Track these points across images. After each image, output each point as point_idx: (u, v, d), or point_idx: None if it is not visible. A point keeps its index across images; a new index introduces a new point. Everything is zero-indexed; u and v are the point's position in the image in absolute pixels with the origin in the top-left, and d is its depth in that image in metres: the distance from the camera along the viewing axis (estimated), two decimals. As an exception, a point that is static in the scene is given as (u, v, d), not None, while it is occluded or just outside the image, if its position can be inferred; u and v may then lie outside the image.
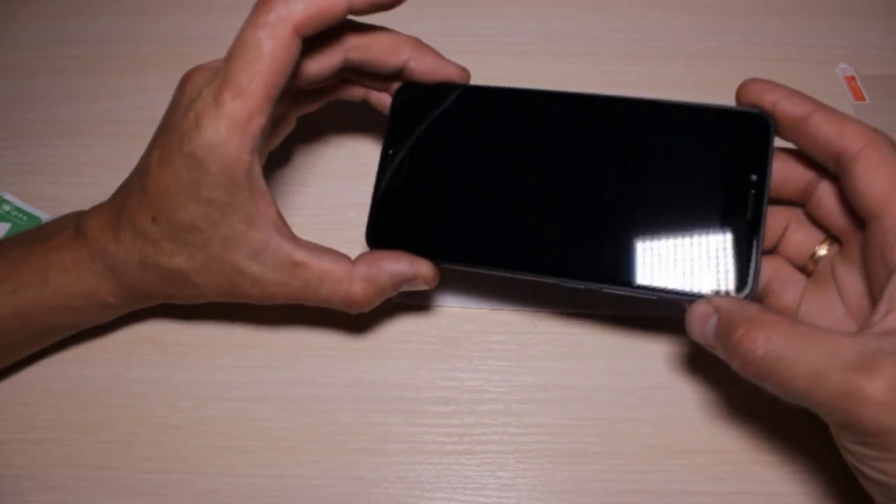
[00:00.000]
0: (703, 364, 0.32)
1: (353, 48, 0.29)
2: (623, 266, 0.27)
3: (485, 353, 0.33)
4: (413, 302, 0.34)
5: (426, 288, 0.30)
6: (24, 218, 0.36)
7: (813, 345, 0.22)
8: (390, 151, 0.30)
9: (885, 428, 0.21)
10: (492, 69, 0.42)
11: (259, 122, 0.26)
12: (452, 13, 0.44)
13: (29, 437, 0.31)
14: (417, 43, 0.30)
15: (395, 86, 0.31)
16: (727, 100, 0.40)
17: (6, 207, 0.37)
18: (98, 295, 0.29)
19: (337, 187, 0.37)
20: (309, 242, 0.29)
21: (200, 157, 0.26)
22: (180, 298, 0.30)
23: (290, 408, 0.32)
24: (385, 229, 0.29)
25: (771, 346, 0.22)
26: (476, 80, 0.41)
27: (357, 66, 0.30)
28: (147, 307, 0.32)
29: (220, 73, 0.26)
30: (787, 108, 0.26)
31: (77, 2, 0.46)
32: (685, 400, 0.31)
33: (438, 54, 0.30)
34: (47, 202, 0.37)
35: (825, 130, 0.25)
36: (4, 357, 0.31)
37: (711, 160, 0.27)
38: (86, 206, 0.31)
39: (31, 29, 0.45)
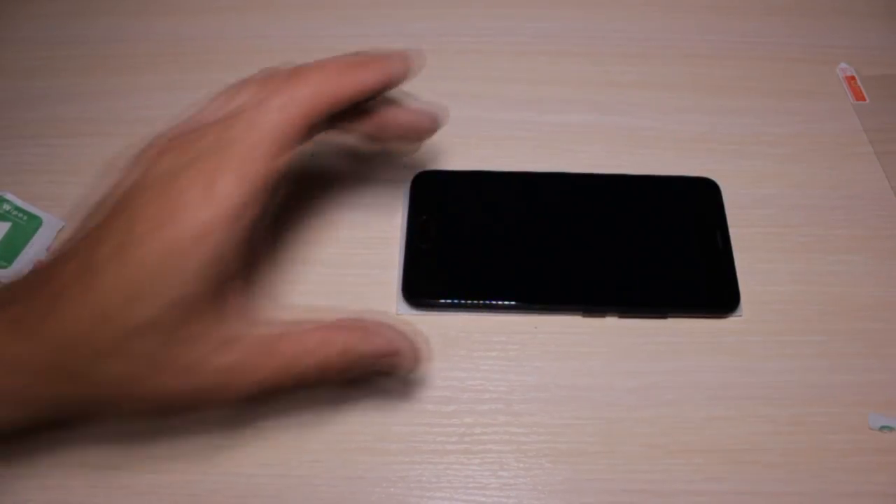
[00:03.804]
0: (702, 364, 0.32)
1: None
2: (631, 295, 0.33)
3: (485, 352, 0.33)
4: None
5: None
6: (24, 218, 0.36)
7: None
8: (416, 221, 0.36)
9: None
10: (492, 69, 0.42)
11: (253, 212, 0.23)
12: (452, 13, 0.44)
13: (29, 436, 0.31)
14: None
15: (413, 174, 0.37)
16: (728, 100, 0.41)
17: (6, 207, 0.37)
18: None
19: (339, 186, 0.37)
20: (278, 319, 0.26)
21: (183, 248, 0.22)
22: (105, 415, 0.27)
23: (290, 407, 0.32)
24: (416, 281, 0.34)
25: None
26: (476, 79, 0.42)
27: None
28: None
29: (208, 154, 0.23)
30: None
31: (77, 2, 0.46)
32: (685, 400, 0.31)
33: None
34: (47, 202, 0.37)
35: None
36: None
37: (690, 214, 0.35)
38: (85, 207, 0.31)
39: (31, 29, 0.45)
